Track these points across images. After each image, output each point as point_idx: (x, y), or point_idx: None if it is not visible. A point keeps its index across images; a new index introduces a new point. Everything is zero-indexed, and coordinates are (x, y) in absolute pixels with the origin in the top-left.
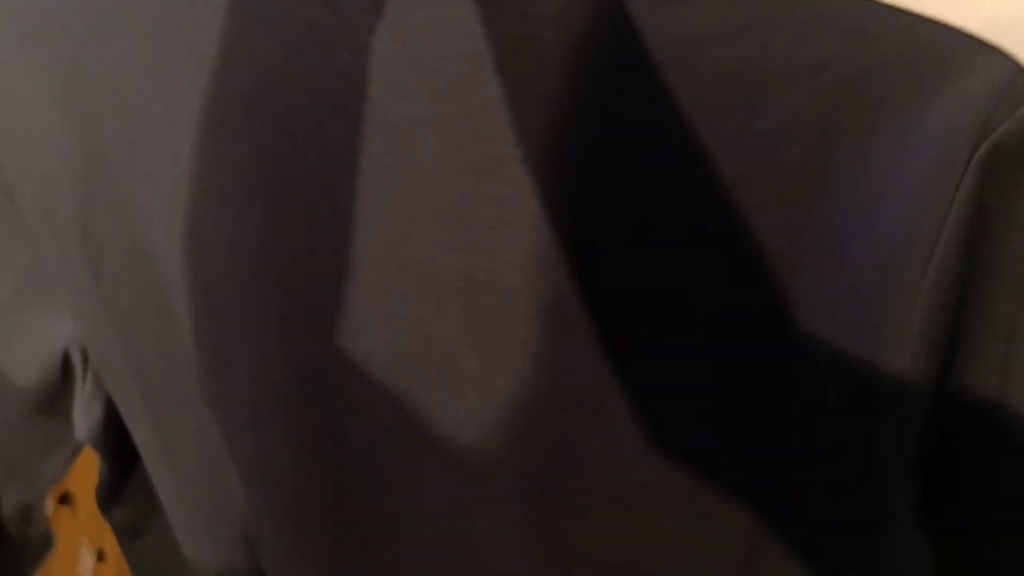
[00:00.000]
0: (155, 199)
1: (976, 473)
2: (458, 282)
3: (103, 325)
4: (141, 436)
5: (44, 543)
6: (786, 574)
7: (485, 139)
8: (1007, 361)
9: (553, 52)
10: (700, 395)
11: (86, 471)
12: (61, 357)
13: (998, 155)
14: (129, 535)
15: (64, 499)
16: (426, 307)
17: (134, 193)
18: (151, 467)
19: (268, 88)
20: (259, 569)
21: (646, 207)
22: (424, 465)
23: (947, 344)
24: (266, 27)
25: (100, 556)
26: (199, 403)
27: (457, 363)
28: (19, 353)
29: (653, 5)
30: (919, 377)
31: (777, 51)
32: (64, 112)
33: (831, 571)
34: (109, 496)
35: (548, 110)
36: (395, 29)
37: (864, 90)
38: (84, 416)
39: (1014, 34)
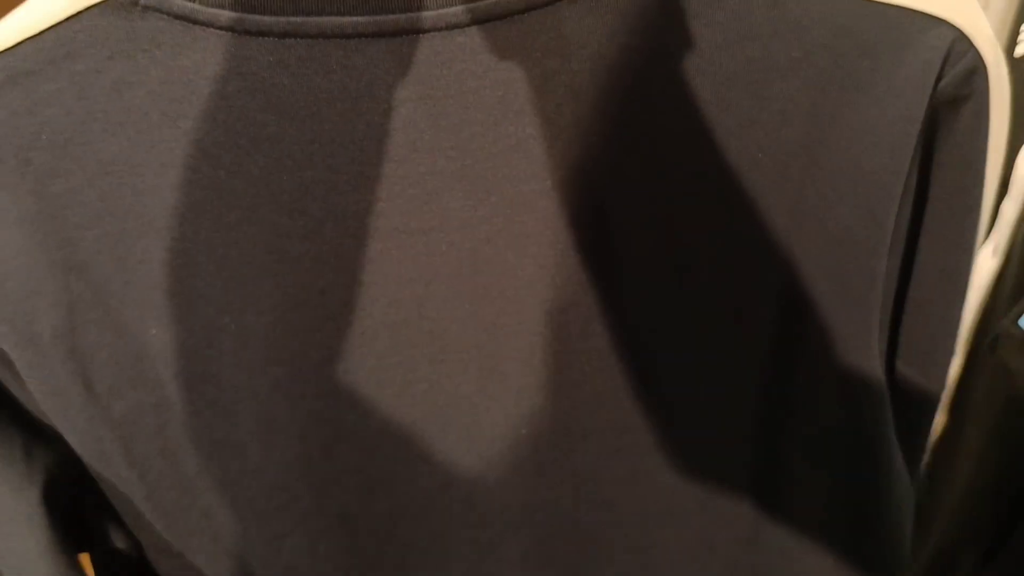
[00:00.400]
0: (150, 296)
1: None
2: (478, 333)
3: (100, 434)
4: (148, 535)
5: None
6: (785, 548)
7: (513, 179)
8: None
9: (583, 82)
10: (716, 398)
11: None
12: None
13: (939, 100)
14: None
15: None
16: (444, 365)
17: (124, 295)
18: (160, 561)
19: (280, 169)
20: None
21: (673, 219)
22: (445, 531)
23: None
24: (274, 105)
25: None
26: (206, 494)
27: (477, 418)
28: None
29: (670, 24)
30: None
31: (776, 49)
32: (36, 227)
33: (826, 542)
34: None
35: (582, 138)
36: (419, 87)
37: (845, 70)
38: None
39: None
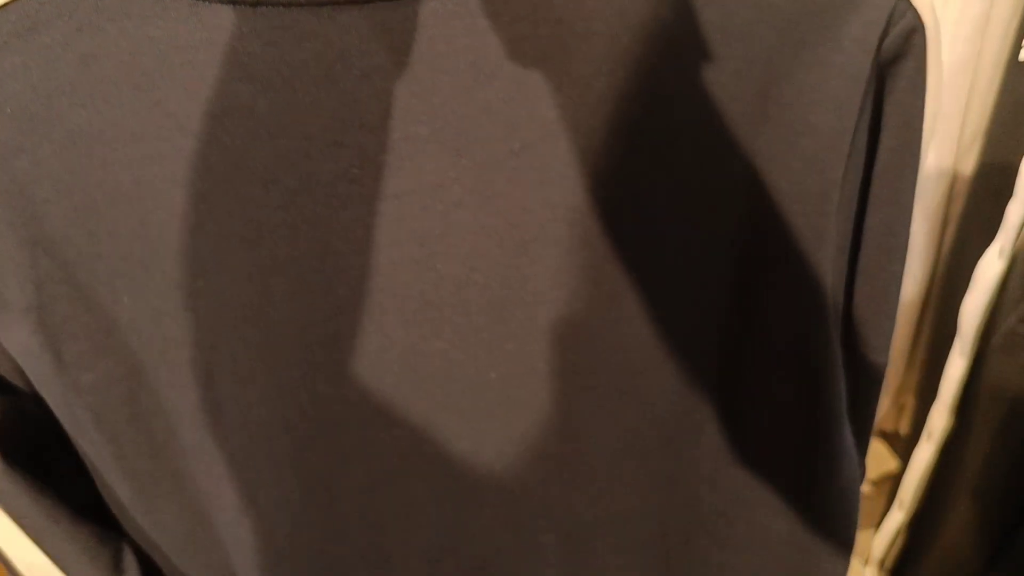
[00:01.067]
0: (122, 266)
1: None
2: (450, 293)
3: (71, 402)
4: (117, 495)
5: None
6: (742, 495)
7: (483, 141)
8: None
9: (550, 47)
10: (678, 343)
11: None
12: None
13: (883, 59)
14: None
15: None
16: (417, 327)
17: (94, 268)
18: (129, 523)
19: (253, 138)
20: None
21: (636, 176)
22: (421, 491)
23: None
24: (247, 74)
25: None
26: (177, 458)
27: (450, 373)
28: None
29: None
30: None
31: (732, 12)
32: (1, 204)
33: (780, 495)
34: None
35: (549, 100)
36: (391, 54)
37: (793, 32)
38: None
39: None
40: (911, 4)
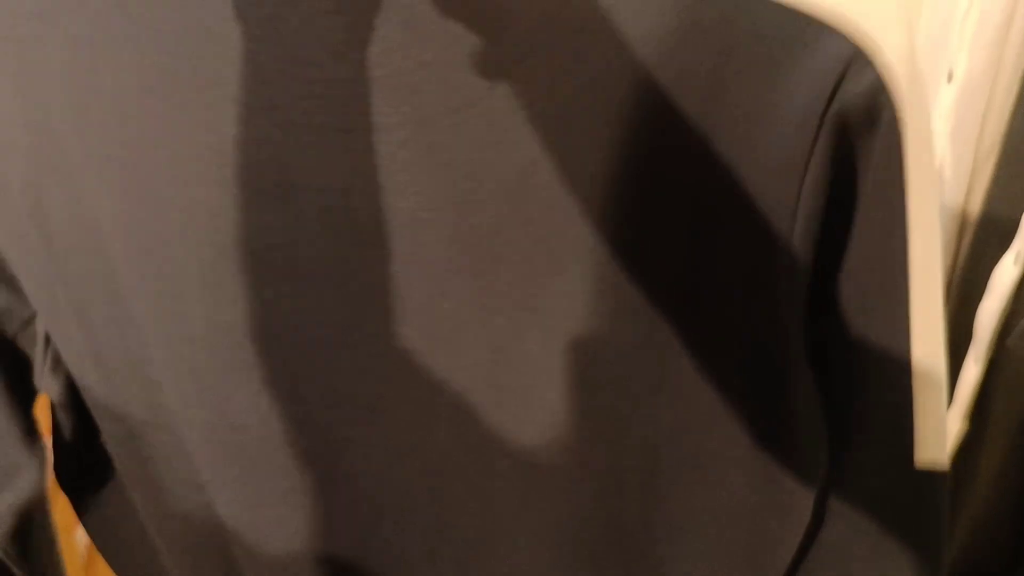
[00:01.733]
0: (104, 168)
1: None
2: (401, 223)
3: (56, 293)
4: (93, 398)
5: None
6: (700, 441)
7: (423, 93)
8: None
9: (486, 6)
10: (644, 301)
11: None
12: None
13: (846, 121)
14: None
15: None
16: (369, 249)
17: (83, 164)
18: (105, 428)
19: (222, 64)
20: (221, 515)
21: (594, 146)
22: (383, 387)
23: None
24: (212, 12)
25: None
26: (151, 366)
27: (399, 294)
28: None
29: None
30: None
31: (674, 13)
32: (15, 85)
33: (743, 437)
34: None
35: (483, 58)
36: (338, 2)
37: (737, 55)
38: (53, 381)
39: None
40: (870, 64)
